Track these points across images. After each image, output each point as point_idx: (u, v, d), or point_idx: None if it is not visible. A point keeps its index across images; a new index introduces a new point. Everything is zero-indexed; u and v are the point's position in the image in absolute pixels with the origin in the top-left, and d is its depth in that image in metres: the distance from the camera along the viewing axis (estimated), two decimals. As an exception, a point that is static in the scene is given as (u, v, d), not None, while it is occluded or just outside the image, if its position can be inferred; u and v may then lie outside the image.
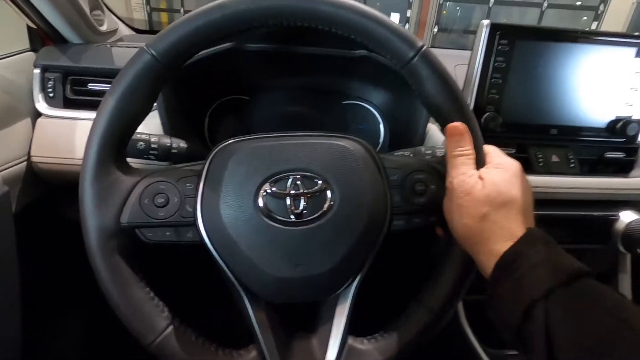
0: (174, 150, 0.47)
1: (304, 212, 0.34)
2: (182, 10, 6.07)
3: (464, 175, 0.34)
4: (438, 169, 0.40)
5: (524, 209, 0.33)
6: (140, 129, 0.37)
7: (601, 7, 5.79)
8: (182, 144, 0.48)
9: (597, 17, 5.88)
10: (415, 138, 0.62)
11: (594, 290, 0.27)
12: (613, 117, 0.59)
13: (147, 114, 0.36)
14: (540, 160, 0.58)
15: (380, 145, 0.69)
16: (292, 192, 0.35)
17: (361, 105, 0.69)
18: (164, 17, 5.94)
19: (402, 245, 0.51)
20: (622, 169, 0.61)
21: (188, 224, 0.35)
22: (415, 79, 0.36)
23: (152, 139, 0.45)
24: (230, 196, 0.34)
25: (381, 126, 0.69)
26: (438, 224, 0.41)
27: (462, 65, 0.63)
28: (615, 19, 5.90)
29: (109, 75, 0.56)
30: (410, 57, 0.35)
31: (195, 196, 0.35)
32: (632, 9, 5.57)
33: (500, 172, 0.34)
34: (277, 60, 0.60)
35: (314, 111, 0.68)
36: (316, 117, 0.68)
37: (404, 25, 6.18)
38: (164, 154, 0.46)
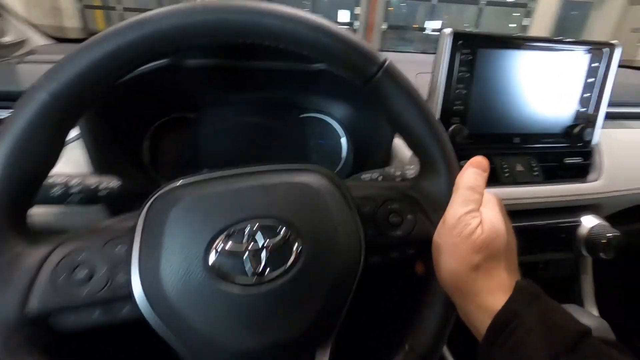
0: (103, 193, 0.39)
1: (266, 269, 0.29)
2: (118, 7, 5.64)
3: (468, 215, 0.30)
4: (413, 196, 0.36)
5: (513, 252, 0.30)
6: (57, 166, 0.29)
7: (531, 5, 6.23)
8: (114, 183, 0.40)
9: (528, 14, 6.34)
10: (381, 152, 0.58)
11: (599, 353, 0.24)
12: (570, 123, 0.59)
13: (56, 161, 0.28)
14: (506, 170, 0.56)
15: (343, 160, 0.64)
16: (251, 246, 0.29)
17: (321, 118, 0.64)
18: (99, 16, 5.48)
19: (378, 279, 0.47)
20: (579, 173, 0.62)
21: (122, 298, 0.28)
22: (379, 97, 0.32)
23: (72, 182, 0.37)
24: (174, 258, 0.27)
25: (343, 140, 0.64)
26: (417, 258, 0.37)
27: (424, 74, 0.60)
28: (544, 15, 6.40)
29: (9, 99, 0.46)
30: (372, 73, 0.31)
31: (129, 262, 0.28)
32: (558, 5, 6.06)
33: (492, 211, 0.30)
34: (224, 76, 0.54)
35: (269, 126, 0.62)
36: (272, 132, 0.62)
37: (353, 23, 6.24)
38: (90, 198, 0.38)
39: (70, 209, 0.38)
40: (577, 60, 0.56)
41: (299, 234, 0.30)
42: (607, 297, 0.60)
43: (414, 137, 0.34)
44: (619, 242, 0.55)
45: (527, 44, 0.53)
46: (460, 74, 0.51)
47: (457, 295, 0.30)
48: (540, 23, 6.29)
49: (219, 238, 0.28)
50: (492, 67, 0.53)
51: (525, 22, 6.41)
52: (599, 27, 6.47)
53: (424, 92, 0.57)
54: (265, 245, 0.29)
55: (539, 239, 0.58)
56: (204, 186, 0.30)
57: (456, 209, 0.31)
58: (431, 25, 6.26)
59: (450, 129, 0.53)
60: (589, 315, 0.38)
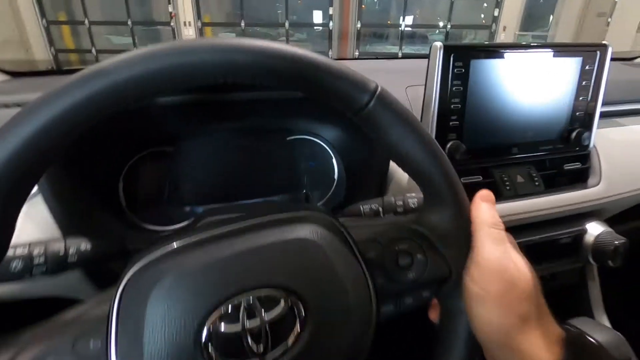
0: (73, 259, 0.34)
1: (268, 347, 0.25)
2: (86, 22, 5.46)
3: (506, 257, 0.27)
4: (420, 232, 0.33)
5: (540, 294, 0.27)
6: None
7: (500, -5, 6.35)
8: (84, 246, 0.35)
9: (498, 5, 6.46)
10: (376, 174, 0.55)
11: None
12: (566, 127, 0.57)
13: (10, 234, 0.23)
14: (507, 183, 0.54)
15: (335, 182, 0.61)
16: (248, 325, 0.25)
17: (309, 139, 0.60)
18: (66, 34, 5.29)
19: (393, 328, 0.43)
20: (579, 178, 0.60)
21: None
22: (373, 127, 0.29)
23: (35, 251, 0.32)
24: (160, 351, 0.23)
25: (334, 161, 0.61)
26: (432, 300, 0.34)
27: (415, 87, 0.57)
28: (513, 4, 6.53)
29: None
30: (364, 103, 0.27)
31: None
32: (526, -4, 6.18)
33: (515, 251, 0.28)
34: (200, 109, 0.49)
35: (254, 152, 0.57)
36: (258, 157, 0.58)
37: (328, 23, 6.22)
38: (58, 267, 0.33)
39: (37, 280, 0.33)
40: (569, 64, 0.54)
41: (301, 300, 0.26)
42: (614, 304, 0.59)
43: (414, 167, 0.31)
44: (626, 248, 0.53)
45: (519, 51, 0.51)
46: (454, 88, 0.49)
47: (501, 351, 0.27)
48: (510, 13, 6.42)
49: (210, 320, 0.24)
50: (485, 78, 0.50)
51: (496, 12, 6.53)
52: (565, 14, 6.65)
53: (418, 105, 0.54)
54: (264, 320, 0.25)
55: (546, 252, 0.56)
56: (186, 256, 0.26)
57: (490, 249, 0.27)
58: (405, 22, 6.31)
59: (448, 146, 0.50)
60: (603, 329, 0.36)
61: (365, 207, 0.46)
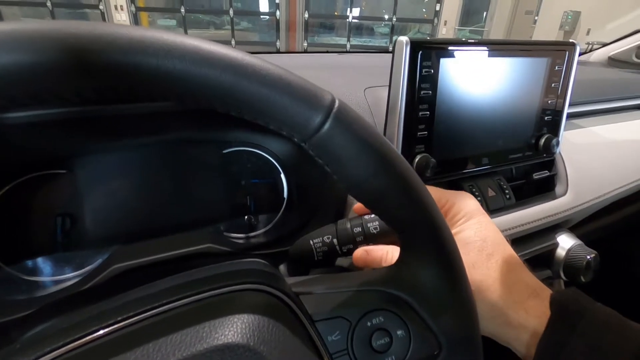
0: None
1: None
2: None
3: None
4: (398, 297, 0.25)
5: None
6: None
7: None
8: None
9: (439, 0, 6.71)
10: (334, 192, 0.46)
11: None
12: (535, 134, 0.52)
13: None
14: (479, 198, 0.48)
15: (284, 203, 0.51)
16: None
17: (251, 152, 0.49)
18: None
19: None
20: (547, 186, 0.56)
21: None
22: (329, 158, 0.20)
23: None
24: None
25: (282, 177, 0.50)
26: None
27: (374, 89, 0.49)
28: (452, 0, 6.82)
29: None
30: (316, 125, 0.18)
31: None
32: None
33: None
34: (99, 124, 0.36)
35: (180, 170, 0.45)
36: (187, 175, 0.45)
37: (275, 12, 6.03)
38: None
39: None
40: (538, 64, 0.49)
41: None
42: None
43: (388, 211, 0.23)
44: (597, 263, 0.50)
45: (490, 49, 0.44)
46: (422, 92, 0.41)
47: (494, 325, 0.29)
48: (449, 8, 6.71)
49: None
50: (455, 80, 0.43)
51: (437, 7, 6.78)
52: (498, 11, 7.10)
53: (378, 111, 0.45)
54: None
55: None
56: None
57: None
58: (352, 13, 6.31)
59: (416, 160, 0.43)
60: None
61: (316, 242, 0.36)
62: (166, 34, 0.16)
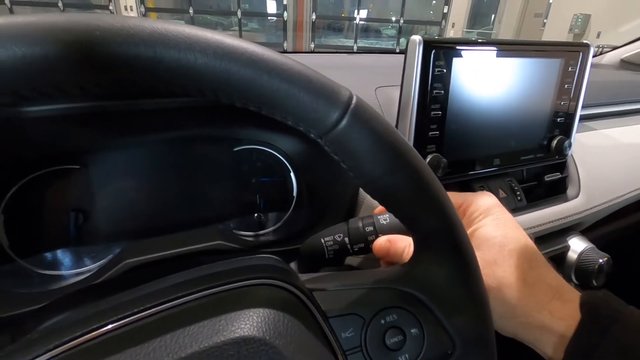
0: None
1: None
2: (6, 1, 4.81)
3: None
4: (411, 294, 0.25)
5: None
6: None
7: (449, -7, 6.59)
8: None
9: (447, 2, 6.68)
10: (345, 192, 0.46)
11: None
12: (547, 135, 0.52)
13: None
14: (490, 200, 0.48)
15: (294, 202, 0.51)
16: None
17: (261, 150, 0.49)
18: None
19: None
20: (558, 188, 0.55)
21: None
22: (346, 154, 0.20)
23: None
24: None
25: (292, 175, 0.51)
26: None
27: (385, 88, 0.49)
28: (460, 2, 6.79)
29: None
30: (334, 121, 0.18)
31: None
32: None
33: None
34: (114, 120, 0.37)
35: (192, 166, 0.45)
36: (198, 173, 0.45)
37: (282, 13, 6.04)
38: None
39: None
40: (552, 65, 0.49)
41: None
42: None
43: (403, 207, 0.23)
44: (610, 267, 0.49)
45: (503, 49, 0.44)
46: (435, 92, 0.40)
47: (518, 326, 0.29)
48: (458, 10, 6.67)
49: None
50: (468, 81, 0.43)
51: (445, 9, 6.75)
52: (507, 13, 7.05)
53: (389, 111, 0.45)
54: None
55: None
56: None
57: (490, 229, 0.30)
58: (360, 15, 6.31)
59: (427, 160, 0.42)
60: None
61: (327, 241, 0.36)
62: (188, 28, 0.16)
